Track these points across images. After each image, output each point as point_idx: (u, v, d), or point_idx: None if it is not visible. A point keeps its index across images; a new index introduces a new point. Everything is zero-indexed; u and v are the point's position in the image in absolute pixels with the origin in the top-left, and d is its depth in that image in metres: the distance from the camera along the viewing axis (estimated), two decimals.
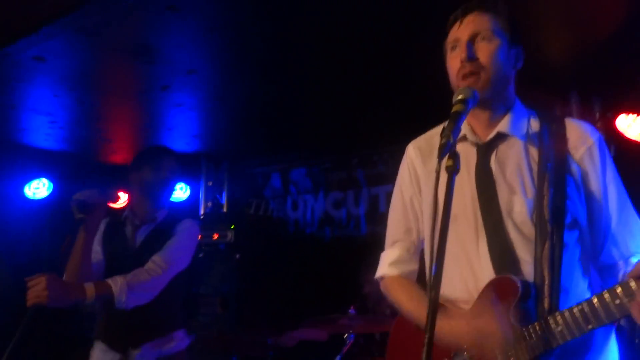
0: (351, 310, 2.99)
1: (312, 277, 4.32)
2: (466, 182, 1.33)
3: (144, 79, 3.05)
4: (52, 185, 4.66)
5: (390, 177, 4.25)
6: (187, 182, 4.96)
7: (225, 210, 4.97)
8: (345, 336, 2.99)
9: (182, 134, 4.22)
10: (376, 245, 4.36)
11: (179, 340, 2.31)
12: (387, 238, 1.56)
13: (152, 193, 2.33)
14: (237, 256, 4.49)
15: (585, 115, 3.26)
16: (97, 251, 2.27)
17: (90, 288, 1.93)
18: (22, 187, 4.57)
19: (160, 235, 2.26)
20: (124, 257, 2.26)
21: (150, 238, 2.28)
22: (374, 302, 3.81)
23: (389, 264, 1.51)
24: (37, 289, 1.79)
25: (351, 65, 2.96)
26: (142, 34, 2.55)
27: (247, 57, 2.86)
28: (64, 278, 2.07)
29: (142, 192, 2.32)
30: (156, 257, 2.15)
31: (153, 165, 2.34)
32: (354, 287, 3.88)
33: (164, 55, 2.76)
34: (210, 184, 5.05)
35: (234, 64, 2.96)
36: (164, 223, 2.34)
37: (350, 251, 4.30)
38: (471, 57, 1.28)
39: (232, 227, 4.53)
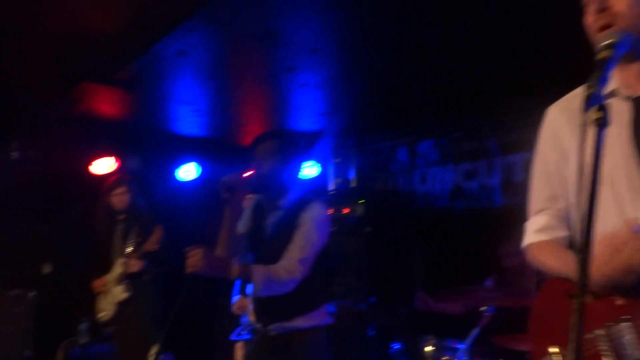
0: (488, 282, 2.86)
1: (444, 250, 4.23)
2: (617, 140, 1.19)
3: (270, 62, 3.20)
4: (200, 168, 5.15)
5: (526, 145, 3.93)
6: (316, 160, 5.14)
7: (353, 185, 5.06)
8: (482, 309, 2.88)
9: (309, 113, 4.36)
10: (512, 216, 4.11)
11: (317, 318, 2.31)
12: (531, 207, 1.46)
13: (272, 181, 2.33)
14: (368, 229, 4.56)
15: None
16: (246, 222, 2.43)
17: (236, 268, 2.07)
18: (174, 170, 5.12)
19: (287, 224, 2.28)
20: (258, 240, 2.37)
21: (277, 226, 2.33)
22: (513, 276, 3.63)
23: (536, 231, 1.41)
24: (195, 259, 1.97)
25: (480, 26, 2.78)
26: (267, 18, 2.66)
27: (369, 32, 2.84)
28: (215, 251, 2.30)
29: (262, 179, 2.33)
30: (292, 256, 2.16)
31: (268, 152, 2.34)
32: (488, 261, 3.72)
33: (287, 37, 2.86)
34: (338, 160, 5.17)
35: (356, 39, 2.96)
36: (290, 210, 2.33)
37: (483, 223, 4.12)
38: (602, 7, 1.16)
39: (361, 202, 4.61)
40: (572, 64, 3.03)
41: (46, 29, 2.71)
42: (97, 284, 3.88)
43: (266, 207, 2.40)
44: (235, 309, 3.63)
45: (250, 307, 3.55)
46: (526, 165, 3.89)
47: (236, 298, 3.64)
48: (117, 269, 3.78)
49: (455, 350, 3.02)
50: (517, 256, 3.46)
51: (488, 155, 4.23)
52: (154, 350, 1.88)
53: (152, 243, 3.69)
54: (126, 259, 3.73)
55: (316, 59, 3.12)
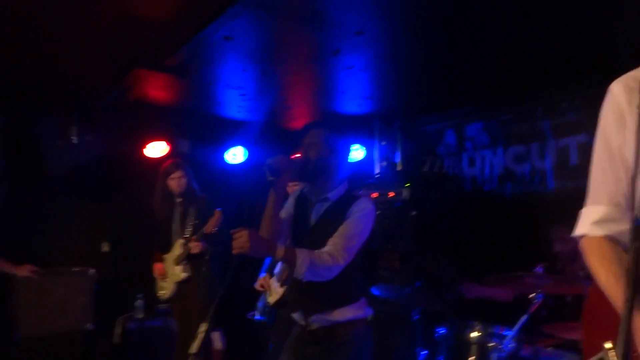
0: (538, 269, 2.78)
1: (492, 234, 4.13)
2: None
3: (315, 45, 3.19)
4: (247, 152, 5.24)
5: (582, 126, 3.77)
6: (361, 143, 5.12)
7: (399, 168, 5.01)
8: (531, 296, 2.80)
9: (354, 96, 4.33)
10: (566, 201, 3.99)
11: (358, 310, 2.31)
12: (591, 193, 1.35)
13: (318, 170, 2.32)
14: (413, 213, 4.52)
15: None
16: (289, 209, 2.46)
17: (280, 250, 2.06)
18: (222, 154, 5.23)
19: (334, 216, 2.27)
20: (302, 229, 2.37)
21: (324, 218, 2.32)
22: (565, 262, 3.51)
23: (593, 222, 1.30)
24: (241, 240, 1.98)
25: None
26: (312, 0, 2.64)
27: (414, 11, 2.77)
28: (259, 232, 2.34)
29: (309, 167, 2.32)
30: (337, 242, 2.16)
31: (316, 140, 2.33)
32: (539, 246, 3.61)
33: (332, 19, 2.83)
34: (383, 143, 5.13)
35: (402, 20, 2.89)
36: (339, 202, 2.33)
37: (534, 208, 3.99)
38: None
39: (407, 185, 4.56)
40: (636, 37, 2.85)
41: (99, 18, 2.82)
42: (157, 266, 4.03)
43: (311, 198, 2.40)
44: (257, 285, 3.70)
45: (276, 286, 3.59)
46: (582, 149, 3.76)
47: (262, 275, 3.71)
48: (177, 250, 3.92)
49: (503, 336, 2.97)
50: (570, 241, 3.35)
51: (541, 138, 4.07)
52: (203, 327, 1.94)
53: (211, 225, 3.79)
54: (185, 241, 3.87)
55: (361, 41, 3.08)
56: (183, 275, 3.86)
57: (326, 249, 2.16)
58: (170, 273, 3.93)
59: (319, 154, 2.32)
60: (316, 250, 2.14)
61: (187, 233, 3.87)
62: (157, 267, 4.03)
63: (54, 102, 4.26)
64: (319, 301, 2.26)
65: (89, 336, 4.32)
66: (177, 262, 3.90)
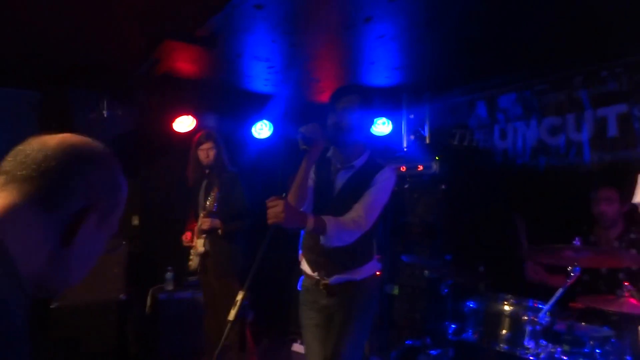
0: (576, 242, 2.73)
1: (524, 210, 4.05)
2: None
3: (347, 12, 3.11)
4: (272, 126, 5.22)
5: (623, 96, 3.64)
6: (389, 116, 5.04)
7: (428, 142, 4.93)
8: (569, 269, 2.76)
9: (383, 67, 4.24)
10: (604, 174, 3.88)
11: (370, 268, 2.50)
12: None
13: (349, 134, 2.36)
14: (443, 187, 4.46)
15: None
16: (311, 177, 2.47)
17: (311, 220, 2.14)
18: (249, 128, 5.23)
19: (359, 183, 2.34)
20: (326, 194, 2.43)
21: (348, 185, 2.38)
22: (605, 227, 3.45)
23: None
24: (276, 210, 2.02)
25: None
26: None
27: None
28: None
29: (336, 137, 2.37)
30: (361, 210, 2.26)
31: (349, 106, 2.35)
32: (574, 222, 3.54)
33: None
34: (412, 116, 5.04)
35: None
36: (363, 169, 2.40)
37: (570, 182, 3.89)
38: None
39: (436, 159, 4.49)
40: None
41: None
42: (185, 236, 4.07)
43: (336, 164, 2.44)
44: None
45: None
46: (621, 119, 3.63)
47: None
48: (200, 222, 3.96)
49: (537, 310, 2.94)
50: (615, 202, 3.28)
51: (577, 108, 3.94)
52: (240, 296, 1.94)
53: (211, 203, 3.81)
54: (204, 214, 3.89)
55: (395, 8, 2.99)
56: (201, 248, 3.90)
57: (350, 215, 2.24)
58: (195, 245, 3.98)
59: (352, 119, 2.33)
60: (341, 218, 2.22)
61: (208, 206, 3.89)
62: (186, 234, 4.06)
63: (86, 77, 4.28)
64: (340, 264, 2.42)
65: (122, 306, 4.43)
66: (198, 235, 3.94)
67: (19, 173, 0.87)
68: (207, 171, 4.02)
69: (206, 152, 3.94)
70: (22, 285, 0.79)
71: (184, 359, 4.51)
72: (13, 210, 0.84)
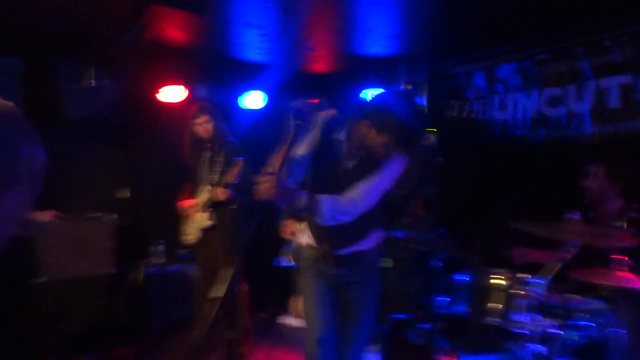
0: (574, 215, 2.67)
1: (523, 182, 4.00)
2: None
3: None
4: (266, 96, 5.09)
5: (627, 66, 3.53)
6: (385, 87, 4.92)
7: (425, 113, 4.83)
8: (566, 244, 2.71)
9: (380, 36, 4.10)
10: (604, 147, 3.79)
11: (374, 240, 2.47)
12: None
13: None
14: (440, 159, 4.38)
15: None
16: (306, 149, 2.36)
17: (303, 199, 2.10)
18: (239, 99, 5.09)
19: (368, 165, 2.28)
20: (329, 173, 2.34)
21: (358, 167, 2.31)
22: (594, 204, 3.38)
23: None
24: (267, 186, 1.98)
25: None
26: None
27: None
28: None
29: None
30: (363, 189, 2.21)
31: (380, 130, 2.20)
32: (574, 194, 3.47)
33: None
34: (409, 87, 4.93)
35: None
36: (374, 156, 2.30)
37: (570, 154, 3.82)
38: None
39: (432, 130, 4.41)
40: None
41: None
42: (184, 204, 3.95)
43: (348, 148, 2.35)
44: (287, 233, 3.63)
45: (307, 231, 3.55)
46: (624, 90, 3.53)
47: (284, 221, 3.63)
48: (204, 195, 3.85)
49: (530, 284, 2.91)
50: (601, 179, 3.20)
51: (579, 79, 3.83)
52: (229, 272, 1.89)
53: (232, 175, 3.70)
54: (212, 188, 3.79)
55: None
56: (207, 222, 3.81)
57: (350, 193, 2.20)
58: (196, 219, 3.88)
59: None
60: (338, 197, 2.18)
61: (215, 179, 3.78)
62: (183, 203, 3.94)
63: (72, 44, 4.11)
64: (345, 239, 2.39)
65: (112, 280, 4.39)
66: (203, 208, 3.84)
67: None
68: (207, 145, 3.89)
69: (203, 127, 3.80)
70: None
71: (174, 332, 4.50)
72: None
